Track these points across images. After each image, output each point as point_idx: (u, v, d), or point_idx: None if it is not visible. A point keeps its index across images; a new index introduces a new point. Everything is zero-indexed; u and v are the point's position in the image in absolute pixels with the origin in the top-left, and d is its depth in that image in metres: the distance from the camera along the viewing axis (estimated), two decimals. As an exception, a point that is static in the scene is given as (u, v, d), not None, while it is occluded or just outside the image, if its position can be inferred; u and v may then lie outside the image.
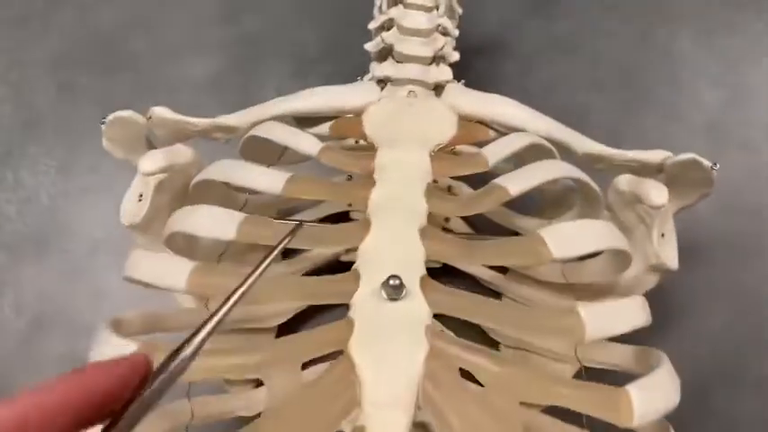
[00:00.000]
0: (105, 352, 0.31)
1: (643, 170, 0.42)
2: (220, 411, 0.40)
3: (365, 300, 0.32)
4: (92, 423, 0.18)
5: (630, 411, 0.28)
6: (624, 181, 0.39)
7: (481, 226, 0.50)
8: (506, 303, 0.32)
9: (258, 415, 0.33)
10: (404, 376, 0.29)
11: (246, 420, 0.36)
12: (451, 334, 0.35)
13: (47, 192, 0.57)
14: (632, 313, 0.34)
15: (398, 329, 0.31)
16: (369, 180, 0.37)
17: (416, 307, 0.31)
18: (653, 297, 0.37)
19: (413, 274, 0.32)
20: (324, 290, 0.33)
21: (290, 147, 0.39)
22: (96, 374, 0.18)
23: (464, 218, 0.51)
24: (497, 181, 0.36)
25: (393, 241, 0.34)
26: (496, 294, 0.49)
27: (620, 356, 0.39)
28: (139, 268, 0.34)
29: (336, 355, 0.31)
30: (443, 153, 0.40)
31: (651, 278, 0.41)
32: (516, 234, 0.49)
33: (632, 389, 0.29)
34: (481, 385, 0.30)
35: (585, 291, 0.44)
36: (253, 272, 0.23)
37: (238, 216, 0.34)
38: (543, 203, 0.47)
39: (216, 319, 0.21)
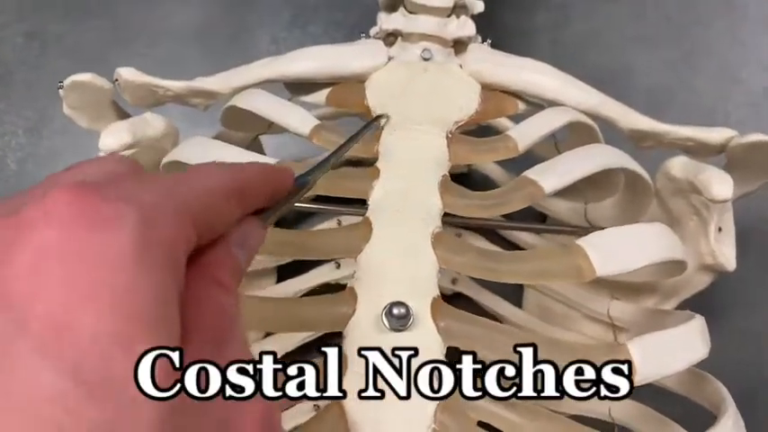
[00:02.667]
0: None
1: (700, 150, 0.37)
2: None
3: (362, 330, 0.27)
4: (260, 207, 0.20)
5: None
6: (679, 165, 0.35)
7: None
8: (537, 336, 0.26)
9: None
10: (408, 433, 0.24)
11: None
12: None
13: (14, 155, 0.53)
14: (692, 345, 0.29)
15: (402, 369, 0.26)
16: (371, 169, 0.31)
17: (426, 340, 0.26)
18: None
19: (422, 296, 0.27)
20: (311, 315, 0.27)
21: (275, 122, 0.34)
22: (277, 169, 0.20)
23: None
24: (530, 174, 0.31)
25: (398, 252, 0.29)
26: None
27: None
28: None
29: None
30: (463, 135, 0.34)
31: (703, 278, 0.38)
32: (544, 218, 0.44)
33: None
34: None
35: (623, 288, 0.40)
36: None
37: None
38: (580, 182, 0.41)
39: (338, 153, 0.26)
